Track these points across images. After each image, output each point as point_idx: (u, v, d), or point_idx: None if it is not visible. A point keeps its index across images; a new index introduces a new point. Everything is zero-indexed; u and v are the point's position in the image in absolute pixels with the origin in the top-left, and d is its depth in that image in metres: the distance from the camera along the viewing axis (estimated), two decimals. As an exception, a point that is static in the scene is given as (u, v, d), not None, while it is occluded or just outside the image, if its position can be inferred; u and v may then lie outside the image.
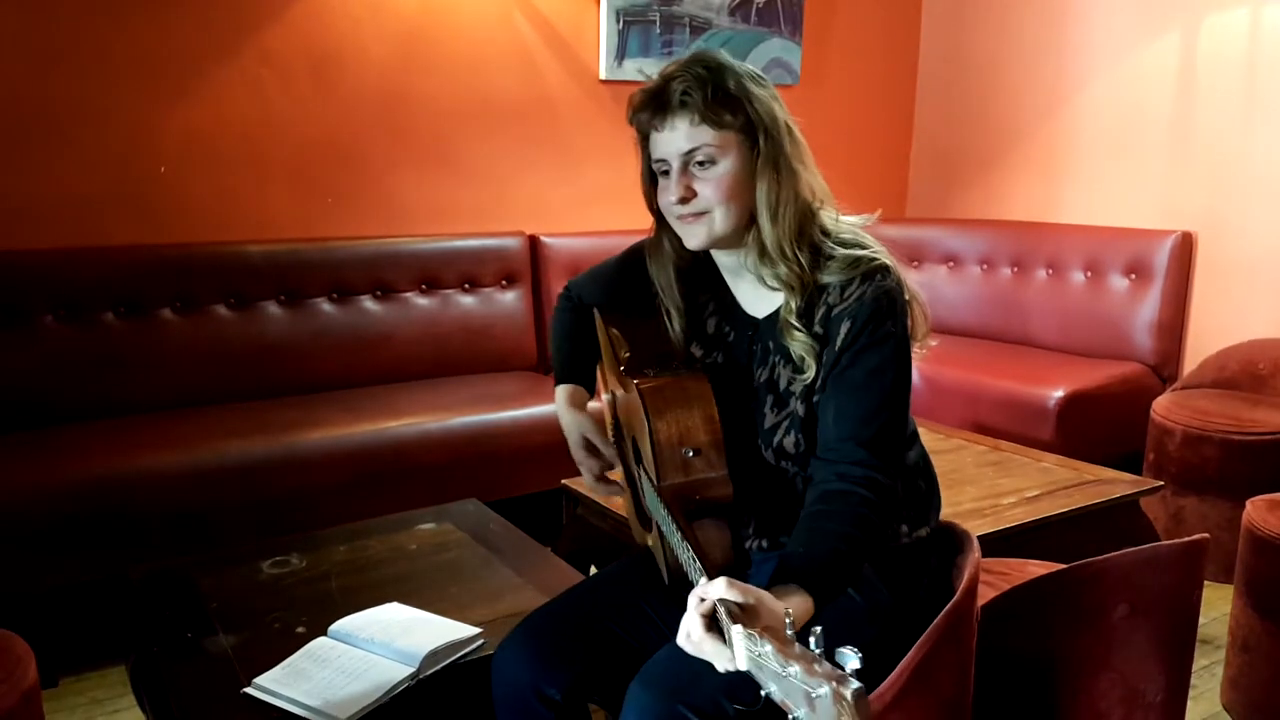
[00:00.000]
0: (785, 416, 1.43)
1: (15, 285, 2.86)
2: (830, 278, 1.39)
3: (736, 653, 1.01)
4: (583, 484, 2.51)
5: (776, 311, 1.44)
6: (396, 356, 3.40)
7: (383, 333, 3.39)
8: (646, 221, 4.48)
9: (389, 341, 3.40)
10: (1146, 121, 3.89)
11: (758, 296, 1.49)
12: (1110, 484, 2.56)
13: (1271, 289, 3.57)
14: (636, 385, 1.42)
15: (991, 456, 2.77)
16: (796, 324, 1.39)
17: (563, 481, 2.61)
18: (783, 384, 1.43)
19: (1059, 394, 3.39)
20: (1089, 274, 3.94)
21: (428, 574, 2.03)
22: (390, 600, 1.85)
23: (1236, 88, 3.62)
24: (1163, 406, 3.23)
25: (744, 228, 1.42)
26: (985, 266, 4.25)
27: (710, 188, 1.39)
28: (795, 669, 0.89)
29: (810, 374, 1.39)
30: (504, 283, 3.63)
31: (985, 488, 2.49)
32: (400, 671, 1.61)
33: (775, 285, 1.43)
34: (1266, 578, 2.21)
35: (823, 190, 1.45)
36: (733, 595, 1.06)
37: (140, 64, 3.04)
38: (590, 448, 1.64)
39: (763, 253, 1.41)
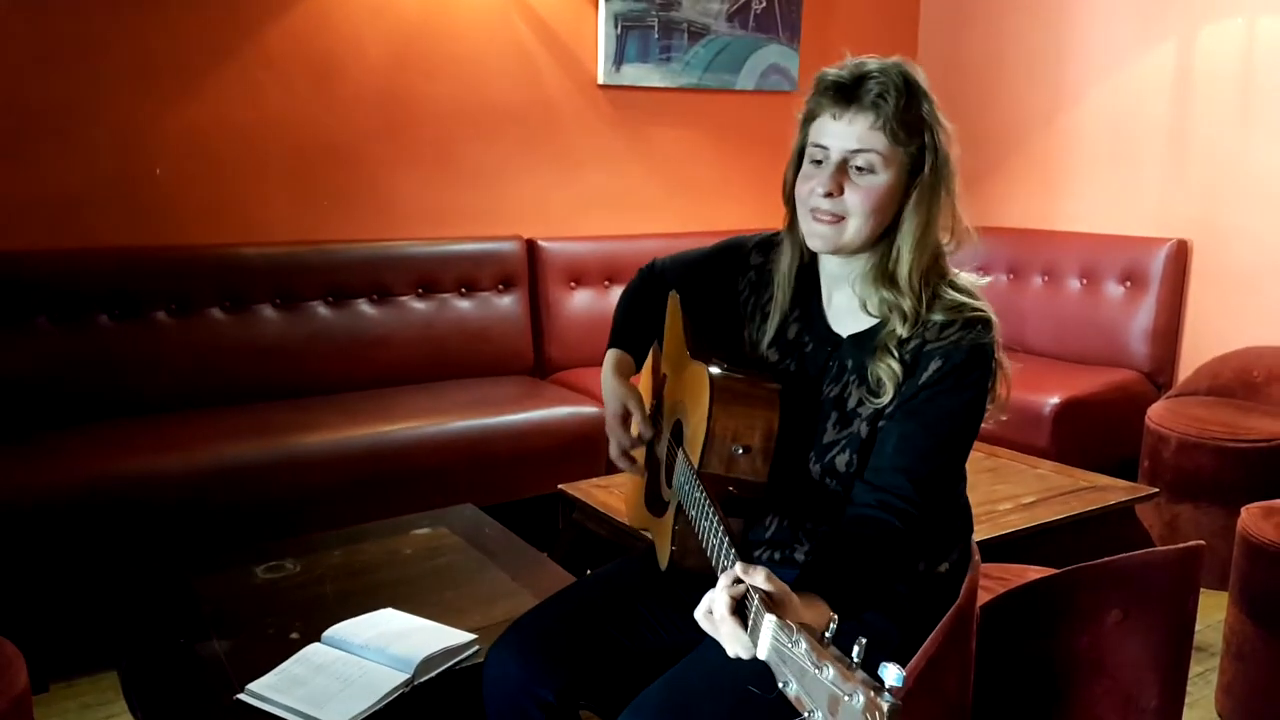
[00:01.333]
0: (845, 435, 1.41)
1: (8, 286, 2.85)
2: (934, 316, 1.37)
3: (761, 641, 1.00)
4: (579, 488, 2.54)
5: (862, 332, 1.43)
6: (393, 360, 3.40)
7: (379, 336, 3.38)
8: (641, 226, 4.46)
9: (385, 345, 3.39)
10: (1142, 130, 3.90)
11: (848, 313, 1.46)
12: (1105, 491, 2.57)
13: (1266, 297, 3.58)
14: (709, 371, 1.42)
15: (988, 463, 2.77)
16: (894, 350, 1.37)
17: (559, 486, 2.60)
18: (851, 403, 1.42)
19: (1055, 401, 3.39)
20: (1084, 281, 3.95)
21: (423, 579, 2.02)
22: (385, 605, 1.84)
23: (1232, 97, 3.63)
24: (1157, 414, 3.24)
25: (871, 244, 1.40)
26: (981, 273, 4.24)
27: (859, 195, 1.36)
28: (829, 670, 0.89)
29: (885, 399, 1.37)
30: (501, 286, 3.63)
31: (982, 494, 2.49)
32: (395, 678, 1.60)
33: (874, 311, 1.41)
34: (1261, 585, 2.21)
35: (962, 232, 1.43)
36: (769, 587, 1.05)
37: (137, 64, 3.03)
38: (626, 420, 1.62)
39: (887, 277, 1.39)
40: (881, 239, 1.40)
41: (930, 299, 1.38)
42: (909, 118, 1.34)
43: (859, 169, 1.35)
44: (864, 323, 1.44)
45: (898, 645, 1.41)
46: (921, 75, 1.38)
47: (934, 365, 1.35)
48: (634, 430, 1.62)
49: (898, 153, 1.35)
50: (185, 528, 2.57)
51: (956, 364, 1.34)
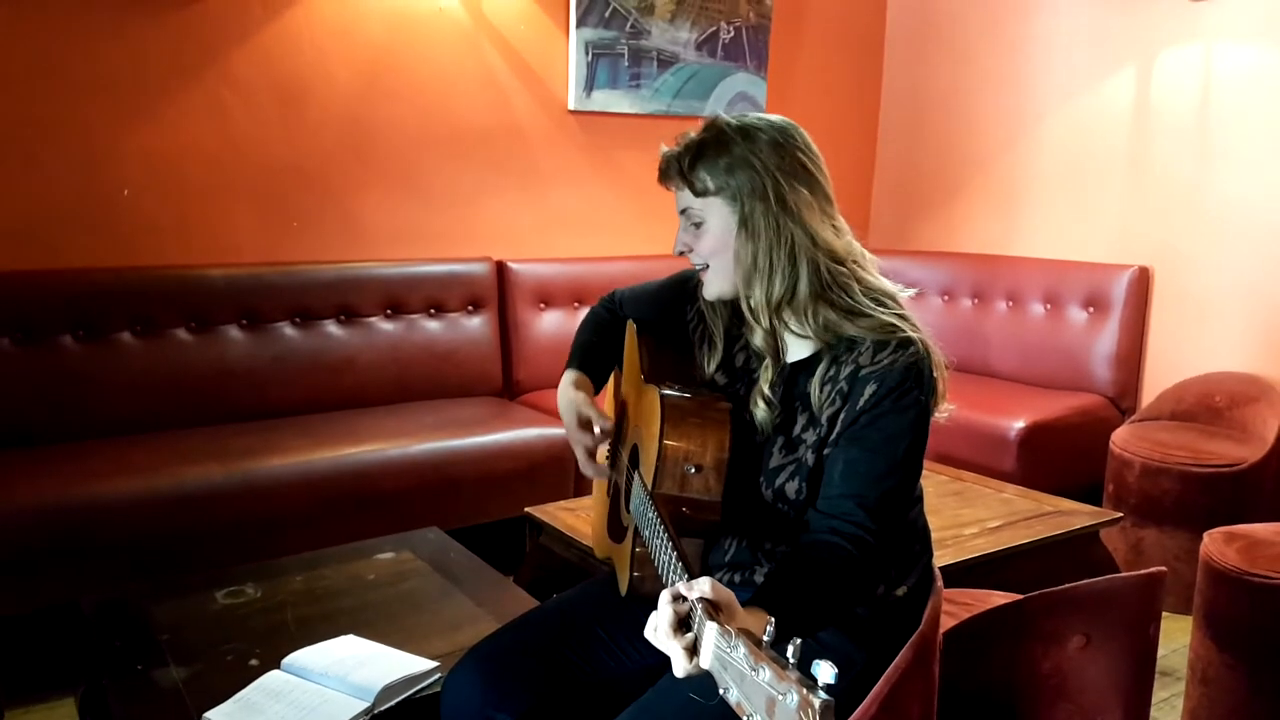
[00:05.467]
0: (792, 461, 1.43)
1: (-30, 307, 2.81)
2: (862, 335, 1.40)
3: (703, 649, 1.01)
4: (546, 511, 2.53)
5: (803, 360, 1.46)
6: (359, 382, 3.37)
7: (346, 357, 3.36)
8: (611, 248, 4.48)
9: (352, 366, 3.37)
10: (1103, 156, 3.96)
11: (788, 341, 1.49)
12: (1070, 515, 2.59)
13: (1227, 323, 3.63)
14: (660, 393, 1.44)
15: (953, 487, 2.79)
16: (820, 374, 1.42)
17: (526, 509, 2.59)
18: (796, 430, 1.44)
19: (1020, 425, 3.42)
20: (1048, 306, 3.99)
21: (385, 605, 2.00)
22: (346, 632, 1.82)
23: (1190, 124, 3.70)
24: (1121, 438, 3.27)
25: (742, 284, 1.45)
26: (946, 298, 4.29)
27: (702, 244, 1.46)
28: (765, 672, 0.89)
29: (825, 426, 1.40)
30: (470, 308, 3.62)
31: (947, 518, 2.50)
32: (355, 706, 1.58)
33: (802, 333, 1.45)
34: (1224, 610, 2.23)
35: (844, 247, 1.44)
36: (713, 595, 1.05)
37: (104, 85, 3.01)
38: (585, 424, 1.63)
39: (750, 312, 1.44)
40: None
41: (850, 317, 1.41)
42: (705, 168, 1.42)
43: (694, 225, 1.46)
44: (804, 349, 1.47)
45: (861, 669, 1.41)
46: (731, 120, 1.45)
47: (870, 390, 1.37)
48: (595, 430, 1.63)
49: (710, 201, 1.43)
50: (146, 551, 2.53)
51: (892, 386, 1.36)
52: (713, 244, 1.44)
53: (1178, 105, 3.72)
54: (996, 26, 4.28)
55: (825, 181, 1.46)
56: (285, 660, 1.71)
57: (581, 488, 3.13)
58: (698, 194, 1.43)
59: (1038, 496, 2.73)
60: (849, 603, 1.33)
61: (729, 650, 0.96)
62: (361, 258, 3.49)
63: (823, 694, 0.84)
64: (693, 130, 1.48)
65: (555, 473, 3.11)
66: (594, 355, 1.76)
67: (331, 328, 3.36)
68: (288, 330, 3.28)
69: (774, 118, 1.47)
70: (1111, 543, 2.87)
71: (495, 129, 3.72)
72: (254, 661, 1.74)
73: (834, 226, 1.45)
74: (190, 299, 3.12)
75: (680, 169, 1.44)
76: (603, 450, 1.71)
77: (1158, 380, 3.75)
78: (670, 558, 1.20)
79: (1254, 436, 3.23)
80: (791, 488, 1.42)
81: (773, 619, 0.98)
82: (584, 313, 3.71)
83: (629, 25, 3.88)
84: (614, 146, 3.99)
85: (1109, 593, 1.61)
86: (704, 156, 1.43)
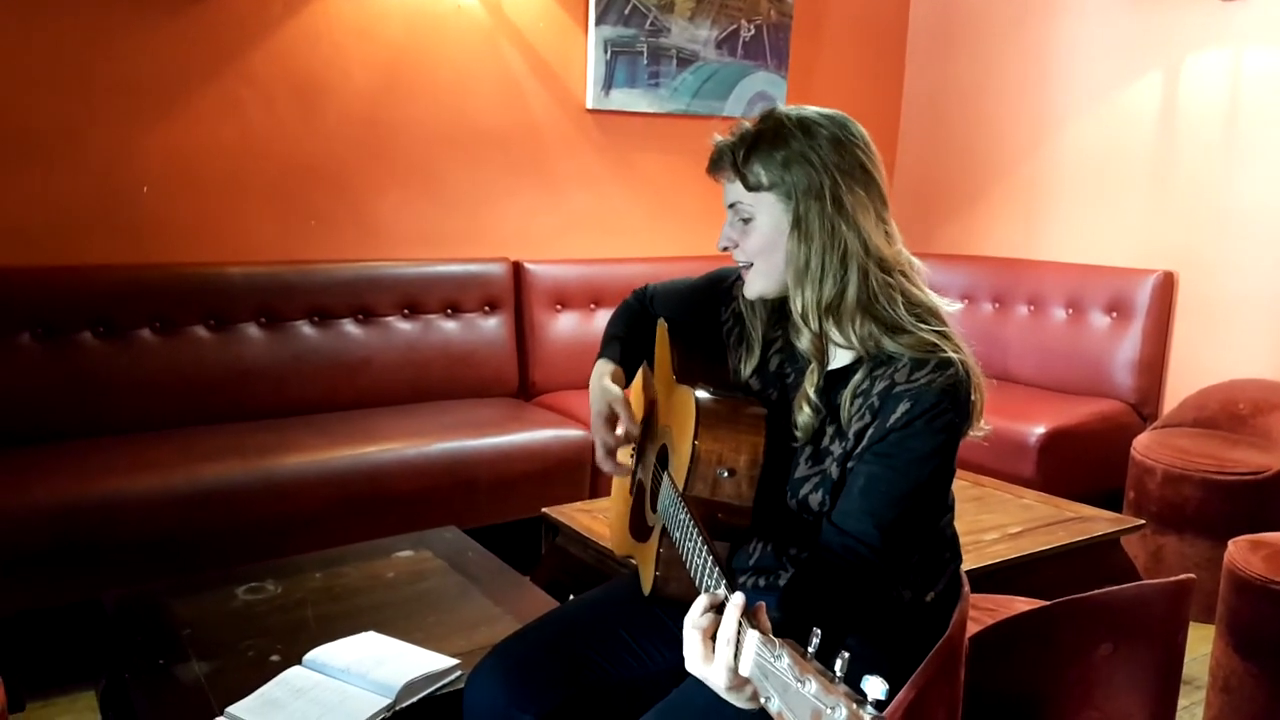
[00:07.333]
0: (817, 473, 1.41)
1: (-8, 302, 2.82)
2: (900, 351, 1.35)
3: (744, 657, 1.00)
4: (563, 512, 2.52)
5: (840, 368, 1.43)
6: (376, 381, 3.38)
7: (363, 357, 3.36)
8: (628, 249, 4.48)
9: (369, 366, 3.37)
10: (1127, 161, 3.93)
11: (829, 348, 1.45)
12: (1091, 521, 2.57)
13: (1251, 329, 3.61)
14: (695, 394, 1.42)
15: (973, 492, 2.77)
16: (853, 387, 1.38)
17: (543, 509, 2.58)
18: (824, 441, 1.41)
19: (1040, 430, 3.40)
20: (1070, 311, 3.97)
21: (405, 603, 2.00)
22: (366, 629, 1.82)
23: (1217, 128, 3.67)
24: (1143, 445, 3.25)
25: (791, 285, 1.42)
26: (967, 301, 4.27)
27: (750, 241, 1.42)
28: (812, 684, 0.87)
29: (851, 440, 1.37)
30: (486, 308, 3.62)
31: (967, 523, 2.48)
32: (376, 703, 1.58)
33: (844, 342, 1.41)
34: (1248, 619, 2.21)
35: (893, 256, 1.40)
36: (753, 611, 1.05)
37: (123, 84, 3.02)
38: (611, 421, 1.61)
39: (799, 314, 1.40)
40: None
41: (889, 331, 1.36)
42: (760, 162, 1.38)
43: (742, 220, 1.42)
44: (840, 359, 1.43)
45: (887, 675, 1.40)
46: (790, 113, 1.41)
47: (902, 408, 1.32)
48: (620, 431, 1.61)
49: (763, 196, 1.39)
50: (166, 548, 2.54)
51: (926, 407, 1.31)
52: (761, 242, 1.40)
53: (1204, 109, 3.70)
54: (1020, 27, 4.26)
55: (881, 181, 1.42)
56: (307, 656, 1.71)
57: (599, 489, 3.13)
58: (750, 188, 1.39)
59: (1058, 502, 2.71)
60: (856, 620, 1.32)
61: (772, 660, 0.94)
62: (379, 257, 3.49)
63: (872, 709, 0.82)
64: (748, 120, 1.44)
65: (571, 474, 3.11)
66: (627, 347, 1.74)
67: (349, 327, 3.36)
68: (305, 329, 3.29)
69: (832, 111, 1.42)
70: (1132, 550, 2.85)
71: (513, 128, 3.72)
72: (275, 657, 1.74)
73: (886, 232, 1.41)
74: (209, 297, 3.13)
75: (734, 160, 1.40)
76: (625, 451, 1.70)
77: (1180, 386, 3.72)
78: (704, 561, 1.19)
79: (1277, 444, 3.20)
80: (815, 499, 1.40)
81: (819, 630, 0.96)
82: (600, 314, 3.75)
83: (648, 23, 3.88)
84: (632, 146, 3.99)
85: (1137, 600, 1.60)
86: (759, 149, 1.39)
